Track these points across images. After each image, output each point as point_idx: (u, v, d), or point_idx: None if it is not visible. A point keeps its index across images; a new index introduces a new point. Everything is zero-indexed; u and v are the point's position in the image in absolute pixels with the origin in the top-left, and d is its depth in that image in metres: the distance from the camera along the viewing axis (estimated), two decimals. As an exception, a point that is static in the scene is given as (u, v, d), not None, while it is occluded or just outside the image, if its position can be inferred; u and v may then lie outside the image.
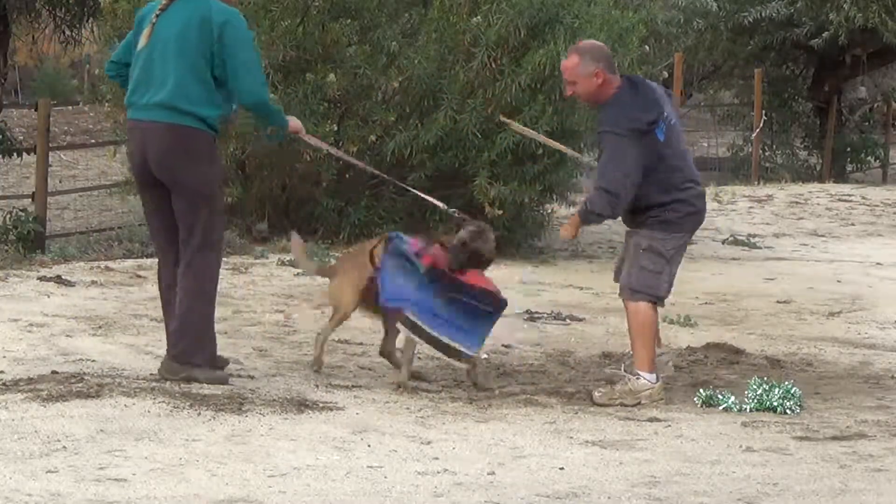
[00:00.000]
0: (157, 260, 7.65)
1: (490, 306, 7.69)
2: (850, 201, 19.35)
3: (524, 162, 12.98)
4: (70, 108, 26.50)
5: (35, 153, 13.63)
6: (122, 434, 6.34)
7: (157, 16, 7.30)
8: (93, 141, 20.71)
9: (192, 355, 7.30)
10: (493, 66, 12.92)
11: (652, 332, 7.64)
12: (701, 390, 7.73)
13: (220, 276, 10.76)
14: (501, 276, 12.12)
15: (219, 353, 8.19)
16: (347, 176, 13.59)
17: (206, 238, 7.30)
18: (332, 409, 7.03)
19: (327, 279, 8.16)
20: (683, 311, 10.60)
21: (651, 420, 7.19)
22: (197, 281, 7.30)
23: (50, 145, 13.69)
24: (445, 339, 7.59)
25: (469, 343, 7.64)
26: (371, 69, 12.94)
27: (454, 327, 7.58)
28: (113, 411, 6.67)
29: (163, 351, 7.92)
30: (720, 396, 7.63)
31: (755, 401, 7.53)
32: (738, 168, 24.46)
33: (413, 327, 7.56)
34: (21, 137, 20.02)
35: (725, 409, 7.50)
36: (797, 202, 19.08)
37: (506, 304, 7.82)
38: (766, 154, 25.49)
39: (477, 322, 7.65)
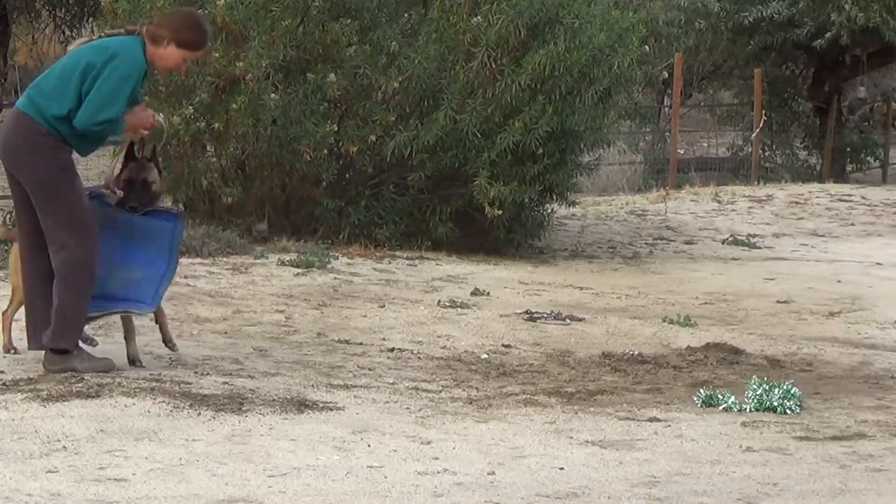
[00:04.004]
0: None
1: (168, 218, 7.70)
2: (850, 201, 19.36)
3: (524, 162, 12.98)
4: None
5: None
6: (122, 434, 6.34)
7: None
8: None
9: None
10: (493, 66, 12.93)
11: None
12: (701, 390, 7.73)
13: (220, 276, 10.88)
14: (502, 276, 12.16)
15: (220, 353, 8.21)
16: (347, 176, 13.61)
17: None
18: (332, 409, 7.03)
19: None
20: (683, 311, 10.61)
21: (651, 420, 7.19)
22: None
23: (50, 145, 13.66)
24: (119, 311, 7.62)
25: (142, 299, 7.57)
26: (371, 69, 12.95)
27: (122, 292, 7.53)
28: (113, 411, 6.68)
29: (161, 350, 7.92)
30: (720, 396, 7.62)
31: (755, 401, 7.53)
32: (738, 168, 24.45)
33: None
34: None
35: (725, 409, 7.49)
36: (797, 202, 19.09)
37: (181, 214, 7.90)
38: (766, 154, 25.49)
39: (152, 258, 7.59)
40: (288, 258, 11.63)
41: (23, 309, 7.68)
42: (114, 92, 7.22)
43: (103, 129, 7.31)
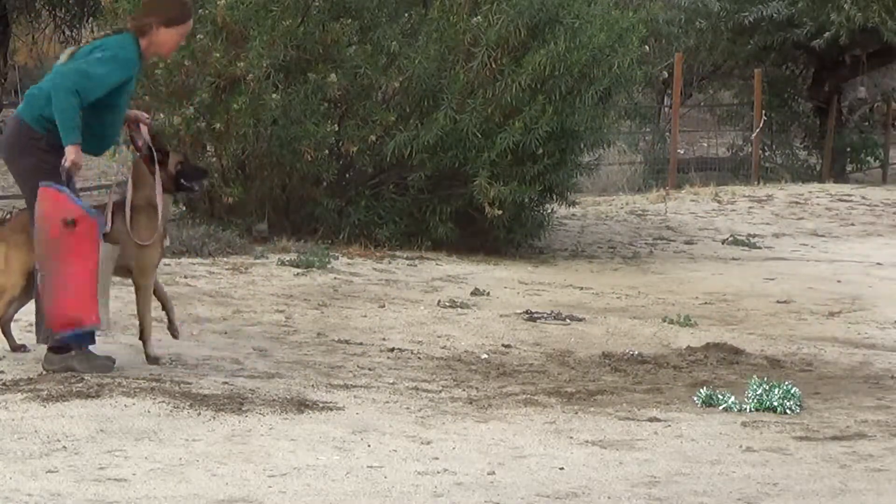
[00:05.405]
0: None
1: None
2: (850, 201, 19.37)
3: (524, 162, 12.98)
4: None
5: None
6: (122, 434, 6.35)
7: None
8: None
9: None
10: (493, 66, 12.93)
11: None
12: (701, 390, 7.73)
13: (220, 276, 10.87)
14: (502, 276, 12.15)
15: (220, 353, 8.21)
16: (347, 176, 13.61)
17: None
18: (332, 409, 7.03)
19: None
20: (683, 311, 10.61)
21: (651, 420, 7.19)
22: None
23: (50, 145, 13.68)
24: None
25: None
26: (371, 69, 12.95)
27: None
28: (113, 411, 6.68)
29: (162, 350, 7.92)
30: (720, 396, 7.63)
31: (755, 401, 7.53)
32: (738, 168, 24.46)
33: None
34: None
35: (725, 409, 7.50)
36: (797, 202, 19.09)
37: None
38: (766, 154, 25.50)
39: None
40: (288, 258, 11.63)
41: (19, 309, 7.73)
42: (101, 71, 7.14)
43: (71, 100, 7.13)
